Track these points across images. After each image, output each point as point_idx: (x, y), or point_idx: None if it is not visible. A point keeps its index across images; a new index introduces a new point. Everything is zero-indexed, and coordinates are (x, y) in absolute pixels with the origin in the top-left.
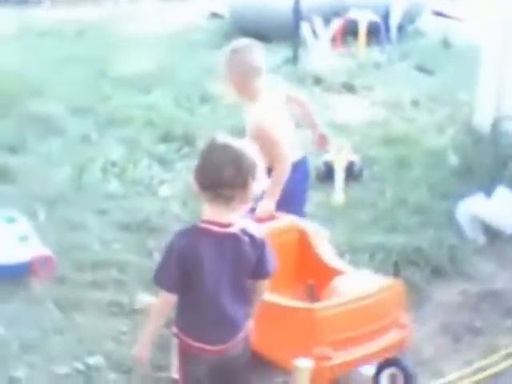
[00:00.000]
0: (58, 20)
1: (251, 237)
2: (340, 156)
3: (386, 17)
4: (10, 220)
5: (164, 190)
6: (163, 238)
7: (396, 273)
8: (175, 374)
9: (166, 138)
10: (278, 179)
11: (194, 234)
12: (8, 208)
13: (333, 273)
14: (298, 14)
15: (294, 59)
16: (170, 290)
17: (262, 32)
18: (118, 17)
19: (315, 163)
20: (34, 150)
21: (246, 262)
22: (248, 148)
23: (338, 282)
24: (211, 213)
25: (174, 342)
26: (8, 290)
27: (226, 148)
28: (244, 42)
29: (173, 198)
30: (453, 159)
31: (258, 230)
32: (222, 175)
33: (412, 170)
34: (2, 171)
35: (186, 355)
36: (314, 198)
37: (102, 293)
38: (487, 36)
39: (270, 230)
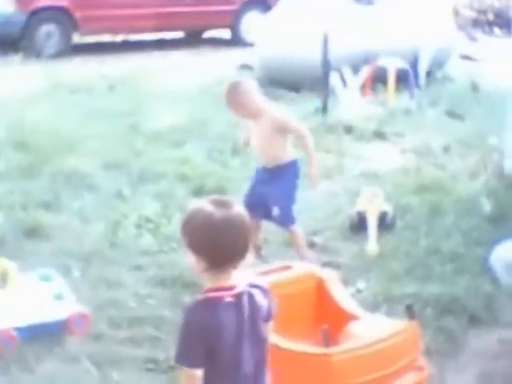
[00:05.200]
0: (88, 75)
1: (259, 287)
2: (373, 205)
3: (414, 63)
4: (45, 278)
5: None
6: (198, 293)
7: (411, 316)
8: None
9: (199, 192)
10: (310, 147)
11: (209, 306)
12: (43, 266)
13: (349, 317)
14: (326, 64)
15: (324, 109)
16: (195, 366)
17: (292, 82)
18: (148, 71)
19: (348, 213)
20: (68, 207)
21: (261, 312)
22: (240, 206)
23: (353, 327)
24: (216, 280)
25: None
26: (44, 348)
27: (229, 220)
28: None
29: None
30: (486, 205)
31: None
32: (235, 249)
33: (445, 218)
34: (36, 228)
35: None
36: (347, 248)
37: (138, 349)
38: None
39: (287, 279)
